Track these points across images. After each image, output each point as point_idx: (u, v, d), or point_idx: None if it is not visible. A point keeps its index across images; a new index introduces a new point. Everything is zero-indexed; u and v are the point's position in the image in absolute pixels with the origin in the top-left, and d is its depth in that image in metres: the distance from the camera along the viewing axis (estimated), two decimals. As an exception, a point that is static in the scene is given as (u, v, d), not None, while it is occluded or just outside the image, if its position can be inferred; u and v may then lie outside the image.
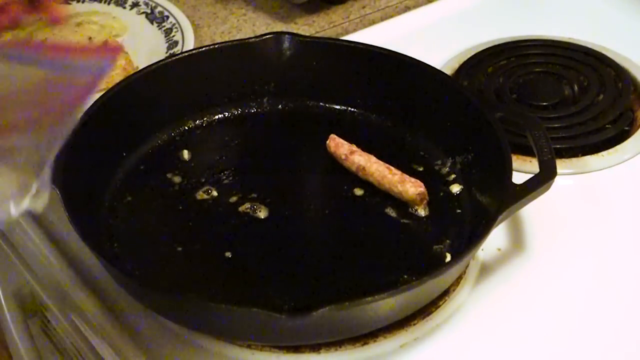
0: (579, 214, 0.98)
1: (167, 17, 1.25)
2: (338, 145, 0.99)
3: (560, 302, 0.89)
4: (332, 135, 1.00)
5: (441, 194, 0.96)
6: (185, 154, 1.01)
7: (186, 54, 1.07)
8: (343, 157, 0.98)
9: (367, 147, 0.99)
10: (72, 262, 0.92)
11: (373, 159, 0.97)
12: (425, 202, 0.94)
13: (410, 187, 0.94)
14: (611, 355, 0.85)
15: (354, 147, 0.99)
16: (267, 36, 1.05)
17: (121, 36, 1.25)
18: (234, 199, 0.96)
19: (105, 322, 0.87)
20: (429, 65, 1.03)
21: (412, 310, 0.84)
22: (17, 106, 0.70)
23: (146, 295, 0.83)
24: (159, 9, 1.27)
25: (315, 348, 0.84)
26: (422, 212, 0.94)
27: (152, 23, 1.26)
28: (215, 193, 0.97)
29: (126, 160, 0.99)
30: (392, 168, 0.96)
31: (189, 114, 1.05)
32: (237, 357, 0.83)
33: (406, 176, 0.95)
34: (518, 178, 0.87)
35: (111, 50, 0.71)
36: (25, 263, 0.98)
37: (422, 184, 0.94)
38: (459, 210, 0.94)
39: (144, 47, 1.21)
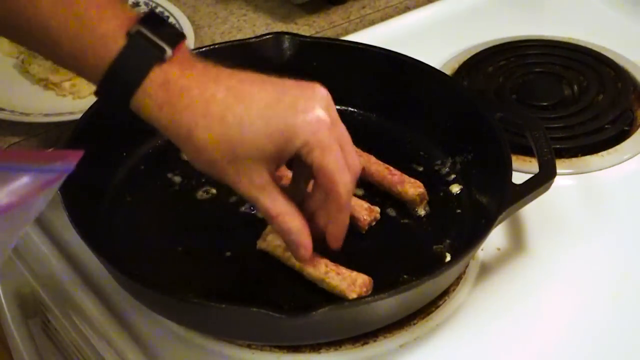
0: (579, 214, 0.98)
1: (167, 17, 1.25)
2: (338, 145, 0.99)
3: (560, 302, 0.89)
4: (332, 136, 1.00)
5: (441, 194, 0.96)
6: (186, 154, 1.01)
7: (186, 54, 1.07)
8: (343, 157, 0.98)
9: (367, 147, 0.99)
10: (72, 262, 0.92)
11: (373, 159, 0.97)
12: (425, 202, 0.94)
13: (410, 188, 0.93)
14: (611, 355, 0.85)
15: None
16: (267, 36, 1.05)
17: (121, 36, 1.24)
18: (234, 199, 0.96)
19: (105, 322, 0.87)
20: (429, 65, 1.03)
21: (412, 310, 0.84)
22: None
23: (146, 295, 0.83)
24: (159, 9, 1.27)
25: (315, 348, 0.84)
26: (422, 212, 0.94)
27: (152, 23, 1.26)
28: (215, 193, 0.96)
29: (126, 160, 0.99)
30: (392, 168, 0.95)
31: (189, 114, 1.05)
32: (237, 357, 0.83)
33: (406, 176, 0.95)
34: (518, 178, 0.87)
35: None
36: (25, 263, 0.98)
37: (421, 184, 0.94)
38: (459, 210, 0.94)
39: (144, 47, 1.20)
